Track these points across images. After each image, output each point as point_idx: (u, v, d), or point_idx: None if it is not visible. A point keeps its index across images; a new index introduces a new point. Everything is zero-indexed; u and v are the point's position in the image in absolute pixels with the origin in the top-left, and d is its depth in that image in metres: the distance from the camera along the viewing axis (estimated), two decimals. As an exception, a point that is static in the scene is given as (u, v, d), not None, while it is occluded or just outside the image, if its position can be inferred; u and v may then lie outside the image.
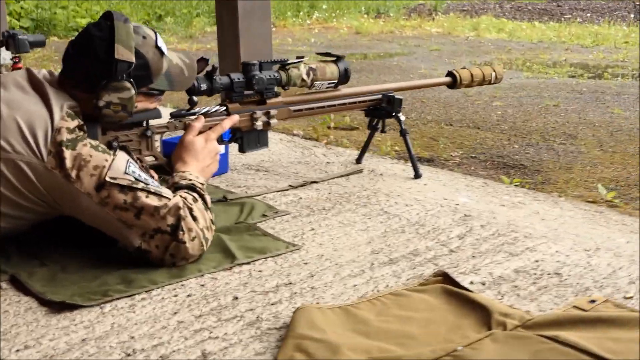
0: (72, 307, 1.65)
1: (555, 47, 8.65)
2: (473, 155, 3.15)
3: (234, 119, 2.31)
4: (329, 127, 3.67)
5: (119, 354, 1.44)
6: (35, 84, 1.93)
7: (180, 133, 2.21)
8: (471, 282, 1.74)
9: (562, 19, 13.65)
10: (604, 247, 1.95)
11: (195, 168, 2.09)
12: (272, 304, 1.65)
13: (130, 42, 1.92)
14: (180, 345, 1.47)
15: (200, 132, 2.18)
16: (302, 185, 2.59)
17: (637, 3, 17.53)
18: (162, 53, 2.02)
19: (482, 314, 1.55)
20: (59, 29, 10.94)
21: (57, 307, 1.66)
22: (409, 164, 2.75)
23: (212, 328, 1.54)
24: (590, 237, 2.04)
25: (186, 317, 1.60)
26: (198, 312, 1.62)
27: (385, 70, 6.81)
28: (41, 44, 4.22)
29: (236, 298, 1.69)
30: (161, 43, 2.04)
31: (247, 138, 2.40)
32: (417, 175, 2.66)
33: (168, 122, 2.21)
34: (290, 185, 2.58)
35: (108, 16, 1.97)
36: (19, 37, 4.06)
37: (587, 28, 11.27)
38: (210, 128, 2.22)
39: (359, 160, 2.88)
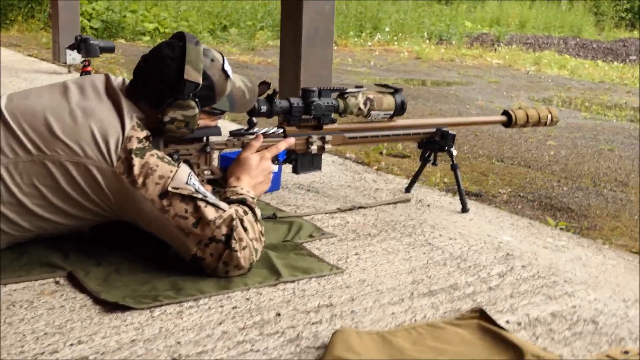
0: (124, 308, 1.74)
1: (616, 89, 8.58)
2: (521, 194, 3.18)
3: (290, 141, 2.39)
4: (381, 153, 3.73)
5: (165, 357, 1.53)
6: (110, 91, 2.04)
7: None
8: (507, 322, 1.78)
9: (627, 59, 13.51)
10: (643, 298, 1.98)
11: (248, 184, 2.18)
12: (312, 324, 1.72)
13: (199, 64, 2.03)
14: (223, 355, 1.55)
15: (257, 151, 2.27)
16: (350, 210, 2.66)
17: None
18: (227, 76, 2.13)
19: (515, 354, 1.60)
20: (127, 32, 11.24)
21: (110, 306, 1.75)
22: (457, 197, 2.80)
23: (254, 341, 1.62)
24: (630, 287, 2.06)
25: (230, 328, 1.68)
26: (242, 324, 1.70)
27: (442, 99, 6.84)
28: (111, 50, 4.40)
29: (279, 314, 1.76)
30: (227, 66, 2.15)
31: (301, 160, 2.49)
32: (465, 210, 2.71)
33: (227, 140, 2.31)
34: (338, 209, 2.65)
35: (180, 37, 2.08)
36: (91, 42, 4.24)
37: (652, 71, 11.14)
38: (266, 148, 2.31)
39: (408, 190, 2.94)
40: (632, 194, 3.33)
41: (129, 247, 2.13)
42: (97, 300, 1.79)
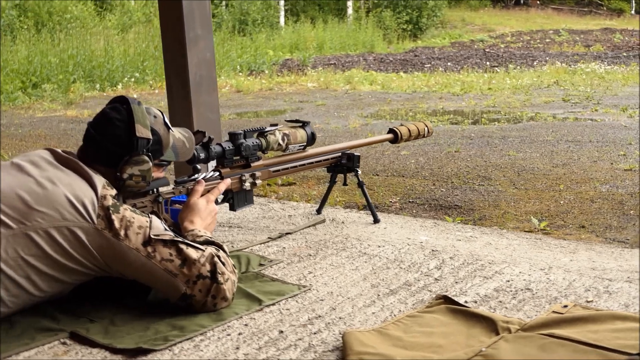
0: (145, 352, 1.91)
1: (429, 97, 9.40)
2: (410, 200, 3.60)
3: (228, 182, 2.63)
4: (276, 184, 4.02)
5: (212, 383, 1.74)
6: (63, 161, 2.19)
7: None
8: (465, 302, 2.15)
9: (424, 68, 14.64)
10: (555, 265, 2.42)
11: (201, 226, 2.41)
12: (314, 334, 1.99)
13: (146, 121, 2.24)
14: (259, 371, 1.79)
15: (201, 195, 2.50)
16: (280, 237, 2.93)
17: (487, 50, 19.03)
18: (169, 129, 2.35)
19: (487, 323, 1.96)
20: None
21: (130, 353, 1.91)
22: (362, 212, 3.16)
23: (277, 356, 1.86)
24: (540, 259, 2.51)
25: (249, 350, 1.91)
26: (256, 345, 1.93)
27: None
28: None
29: (281, 332, 2.01)
30: (167, 120, 2.37)
31: (237, 198, 2.74)
32: (376, 220, 3.07)
33: (174, 188, 2.52)
34: (269, 238, 2.92)
35: (122, 100, 2.28)
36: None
37: (451, 76, 12.22)
38: (209, 191, 2.54)
39: (319, 212, 3.26)
40: (498, 185, 3.86)
41: (107, 300, 2.28)
42: (114, 351, 1.94)
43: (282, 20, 26.67)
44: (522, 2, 39.87)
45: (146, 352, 1.92)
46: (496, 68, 13.38)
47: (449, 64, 14.80)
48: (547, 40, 23.00)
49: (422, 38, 26.59)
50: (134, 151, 2.20)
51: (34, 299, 2.10)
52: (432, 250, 2.65)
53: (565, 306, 2.06)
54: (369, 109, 8.44)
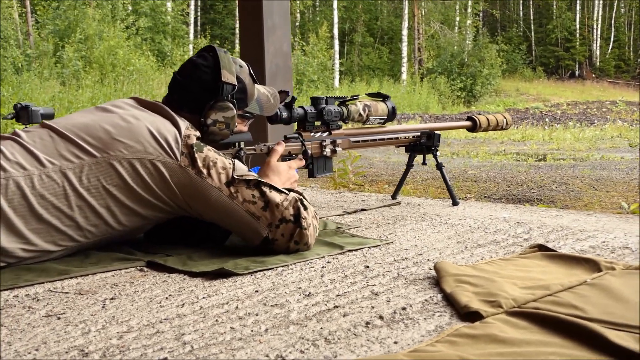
0: (223, 276, 1.84)
1: (490, 142, 9.31)
2: (486, 196, 3.49)
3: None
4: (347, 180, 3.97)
5: (299, 295, 1.65)
6: (148, 105, 2.17)
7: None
8: (561, 253, 2.03)
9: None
10: (653, 234, 2.29)
11: (280, 185, 2.34)
12: (402, 269, 1.89)
13: (232, 68, 2.21)
14: (348, 289, 1.69)
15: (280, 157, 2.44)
16: (355, 212, 2.85)
17: (544, 113, 18.93)
18: (254, 80, 2.32)
19: (589, 264, 1.84)
20: None
21: (210, 276, 1.85)
22: (437, 199, 3.06)
23: (366, 281, 1.77)
24: (634, 230, 2.37)
25: (335, 277, 1.82)
26: (342, 274, 1.84)
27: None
28: (51, 117, 4.41)
29: (367, 266, 1.92)
30: (252, 73, 2.34)
31: (317, 164, 2.67)
32: (455, 203, 2.97)
33: (255, 145, 2.47)
34: (344, 211, 2.84)
35: (209, 49, 2.27)
36: (32, 109, 4.25)
37: (509, 129, 12.14)
38: (289, 152, 2.49)
39: (394, 197, 3.17)
40: (577, 188, 3.73)
41: (180, 244, 2.23)
42: (192, 275, 1.88)
43: (336, 81, 27.07)
44: (577, 75, 39.83)
45: (226, 275, 1.84)
46: (555, 125, 13.24)
47: (507, 119, 14.69)
48: (604, 109, 22.80)
49: (475, 105, 26.70)
50: (219, 96, 2.17)
51: (112, 233, 2.06)
52: (517, 222, 2.54)
53: (672, 257, 1.93)
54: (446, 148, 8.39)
